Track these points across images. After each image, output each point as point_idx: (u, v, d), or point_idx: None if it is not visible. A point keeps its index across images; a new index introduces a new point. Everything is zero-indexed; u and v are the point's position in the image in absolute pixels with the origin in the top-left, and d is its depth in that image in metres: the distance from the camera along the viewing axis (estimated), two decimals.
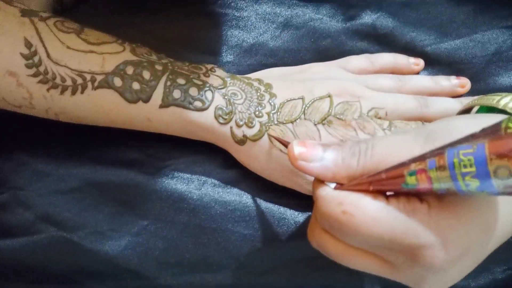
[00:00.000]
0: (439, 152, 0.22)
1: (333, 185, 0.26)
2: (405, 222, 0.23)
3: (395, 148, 0.25)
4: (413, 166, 0.23)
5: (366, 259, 0.26)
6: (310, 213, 0.36)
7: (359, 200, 0.24)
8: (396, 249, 0.24)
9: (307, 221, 0.36)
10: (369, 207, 0.24)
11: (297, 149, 0.27)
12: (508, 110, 0.28)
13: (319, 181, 0.27)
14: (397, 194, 0.25)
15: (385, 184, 0.24)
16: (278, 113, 0.34)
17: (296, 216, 0.36)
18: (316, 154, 0.26)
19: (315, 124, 0.34)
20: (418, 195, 0.24)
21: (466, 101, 0.37)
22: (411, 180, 0.23)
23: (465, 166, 0.20)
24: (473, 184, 0.21)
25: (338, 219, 0.24)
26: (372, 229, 0.24)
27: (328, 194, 0.25)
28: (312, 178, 0.27)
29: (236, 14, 0.41)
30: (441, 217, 0.23)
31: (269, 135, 0.34)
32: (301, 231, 0.36)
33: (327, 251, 0.27)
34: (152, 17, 0.41)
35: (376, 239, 0.24)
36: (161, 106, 0.33)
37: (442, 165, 0.21)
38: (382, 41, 0.40)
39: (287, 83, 0.36)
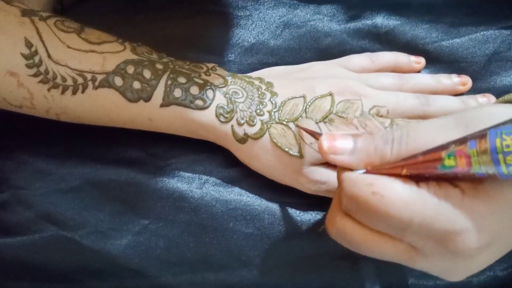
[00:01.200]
0: (480, 133, 0.21)
1: (361, 170, 0.26)
2: (437, 206, 0.23)
3: (433, 134, 0.24)
4: (452, 147, 0.22)
5: (391, 246, 0.25)
6: (311, 212, 0.36)
7: (389, 183, 0.24)
8: (425, 234, 0.24)
9: (308, 219, 0.36)
10: (400, 189, 0.24)
11: (326, 143, 0.26)
12: None
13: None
14: (427, 180, 0.24)
15: (420, 167, 0.23)
16: (280, 112, 0.34)
17: (297, 215, 0.36)
18: (346, 146, 0.26)
19: (317, 123, 0.34)
20: (451, 180, 0.24)
21: (468, 99, 0.38)
22: (449, 162, 0.22)
23: (507, 146, 0.20)
24: None
25: (367, 200, 0.24)
26: (402, 211, 0.23)
27: (357, 176, 0.25)
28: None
29: (237, 13, 0.41)
30: (474, 203, 0.23)
31: (299, 127, 0.33)
32: (302, 229, 0.36)
33: (350, 237, 0.26)
34: (153, 17, 0.41)
35: (406, 223, 0.23)
36: (162, 105, 0.33)
37: (484, 146, 0.21)
38: (383, 40, 0.40)
39: (288, 81, 0.36)
